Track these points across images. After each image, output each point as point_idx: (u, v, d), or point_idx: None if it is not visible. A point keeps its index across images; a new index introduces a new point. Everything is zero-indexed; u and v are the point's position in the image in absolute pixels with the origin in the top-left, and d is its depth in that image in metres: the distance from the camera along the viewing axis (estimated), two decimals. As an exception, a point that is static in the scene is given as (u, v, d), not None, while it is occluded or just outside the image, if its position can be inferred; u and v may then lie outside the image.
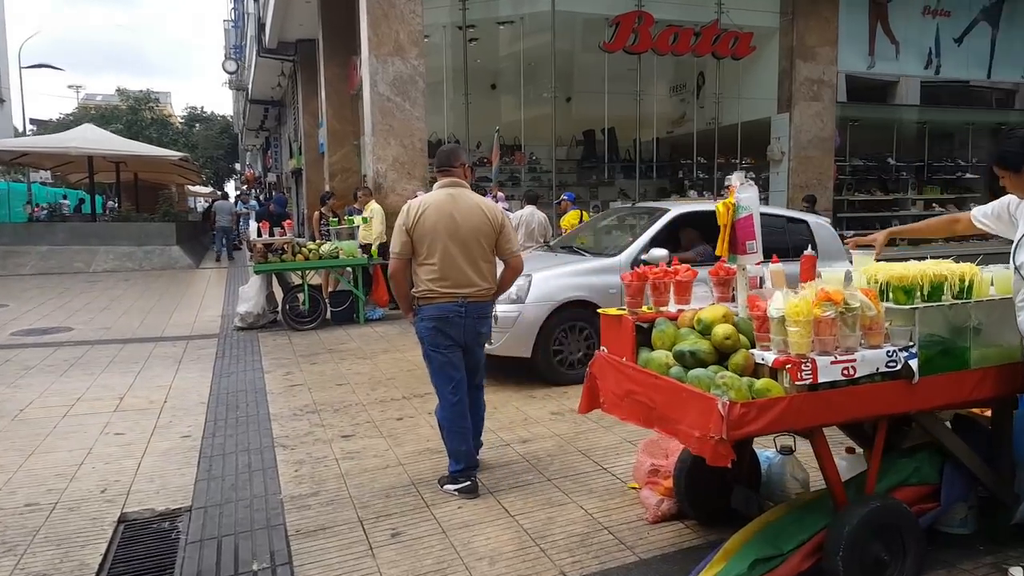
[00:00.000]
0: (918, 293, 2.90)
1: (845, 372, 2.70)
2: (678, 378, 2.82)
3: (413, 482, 4.25)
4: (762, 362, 2.77)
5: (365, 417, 5.56)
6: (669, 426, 2.80)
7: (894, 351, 2.77)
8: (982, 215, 3.21)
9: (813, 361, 2.65)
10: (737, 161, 15.26)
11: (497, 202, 10.79)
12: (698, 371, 2.77)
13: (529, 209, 10.08)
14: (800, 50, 14.68)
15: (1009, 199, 3.07)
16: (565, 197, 10.63)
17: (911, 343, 2.81)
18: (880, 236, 3.44)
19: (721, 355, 2.87)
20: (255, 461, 4.68)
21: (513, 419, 5.40)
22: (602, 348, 3.36)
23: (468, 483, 4.00)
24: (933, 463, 3.14)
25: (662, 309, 3.22)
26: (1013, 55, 16.67)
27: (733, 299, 3.28)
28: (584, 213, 10.59)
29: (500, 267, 4.16)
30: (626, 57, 13.88)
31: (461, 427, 4.01)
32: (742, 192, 3.09)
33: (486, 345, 4.29)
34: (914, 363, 2.79)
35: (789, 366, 2.65)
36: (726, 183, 3.19)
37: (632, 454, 4.58)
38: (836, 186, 15.47)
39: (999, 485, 3.17)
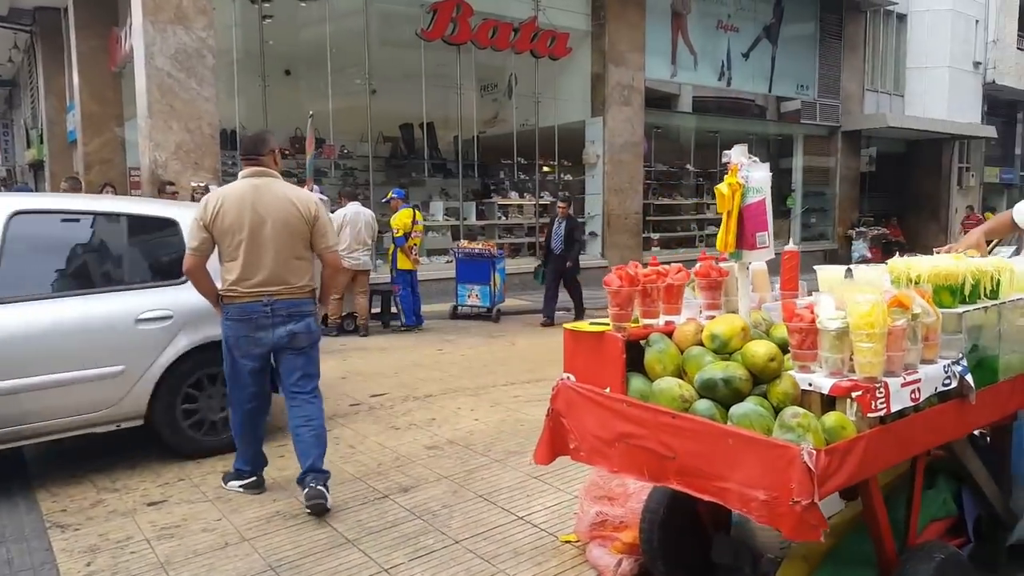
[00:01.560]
0: (961, 294, 2.38)
1: (913, 396, 2.09)
2: (709, 416, 2.05)
3: (271, 566, 3.11)
4: (810, 389, 2.08)
5: (176, 473, 4.21)
6: (703, 483, 2.02)
7: (948, 365, 2.22)
8: None
9: (886, 385, 2.00)
10: (555, 163, 15.08)
11: (314, 199, 9.51)
12: (746, 407, 2.01)
13: (353, 207, 8.91)
14: (612, 55, 14.81)
15: None
16: (394, 194, 9.58)
17: (961, 355, 2.27)
18: (975, 238, 2.92)
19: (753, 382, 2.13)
20: (18, 556, 3.24)
21: (380, 460, 4.36)
22: (567, 376, 2.51)
23: (254, 479, 3.87)
24: (951, 491, 2.66)
25: (650, 322, 2.43)
26: (789, 72, 18.20)
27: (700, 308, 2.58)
28: (417, 212, 9.62)
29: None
30: (443, 51, 13.11)
31: (254, 434, 3.83)
32: (752, 171, 2.40)
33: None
34: (969, 378, 2.25)
35: (858, 393, 1.98)
36: (724, 159, 2.49)
37: (545, 493, 3.77)
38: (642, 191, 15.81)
39: (1001, 505, 2.77)
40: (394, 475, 4.09)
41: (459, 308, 10.69)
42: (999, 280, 2.48)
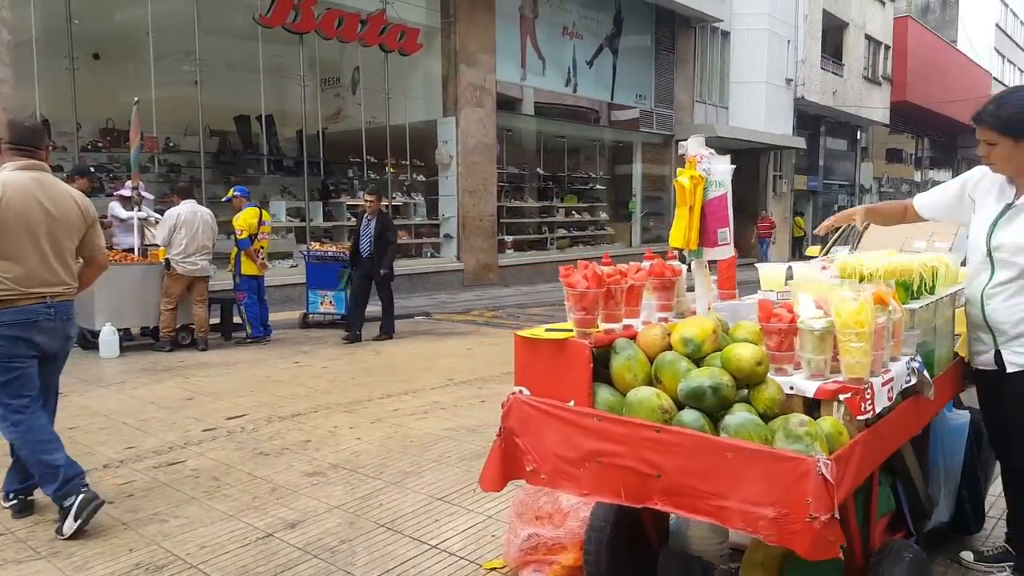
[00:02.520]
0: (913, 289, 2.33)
1: (889, 396, 1.99)
2: (699, 429, 1.83)
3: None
4: (792, 393, 1.92)
5: (-1, 522, 3.45)
6: (695, 503, 1.78)
7: (908, 362, 2.15)
8: (929, 202, 2.79)
9: (871, 386, 1.88)
10: (407, 163, 14.64)
11: (140, 196, 8.51)
12: (742, 417, 1.80)
13: (189, 206, 8.00)
14: (463, 55, 14.63)
15: (964, 179, 2.69)
16: (237, 192, 8.73)
17: (916, 351, 2.22)
18: (860, 210, 2.86)
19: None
20: None
21: (255, 493, 3.80)
22: (519, 390, 2.19)
23: (84, 494, 3.28)
24: (889, 485, 2.63)
25: (611, 327, 2.17)
26: (629, 81, 18.93)
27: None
28: (264, 212, 8.85)
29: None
30: (284, 39, 12.29)
31: (46, 439, 3.39)
32: (714, 163, 2.22)
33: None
34: (926, 373, 2.20)
35: (847, 396, 1.83)
36: (681, 151, 2.28)
37: (455, 516, 3.43)
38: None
39: (924, 494, 2.80)
40: (275, 509, 3.57)
41: (310, 316, 10.00)
42: (936, 275, 2.47)
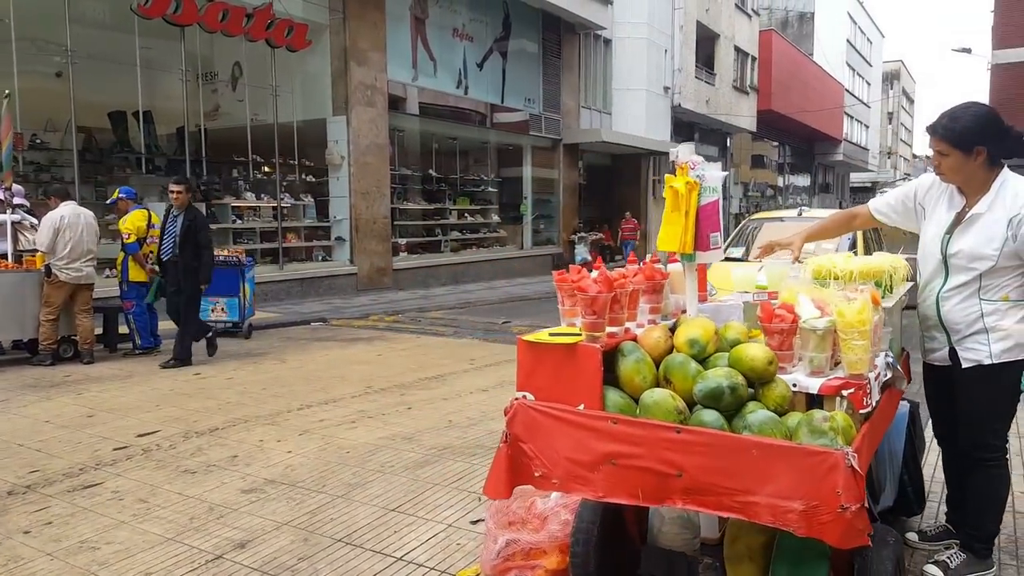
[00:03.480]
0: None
1: (879, 390, 2.12)
2: (719, 428, 1.87)
3: None
4: (796, 390, 2.01)
5: None
6: (720, 500, 1.83)
7: (884, 357, 2.30)
8: (884, 207, 2.97)
9: (869, 381, 2.00)
10: (296, 162, 14.13)
11: (13, 197, 7.77)
12: (763, 414, 1.86)
13: (70, 208, 7.36)
14: (353, 52, 14.30)
15: (914, 186, 2.88)
16: (123, 194, 8.10)
17: (888, 346, 2.38)
18: (797, 240, 2.95)
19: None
20: None
21: (192, 513, 3.54)
22: (523, 395, 2.16)
23: None
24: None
25: (615, 330, 2.18)
26: (518, 85, 19.15)
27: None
28: (152, 214, 8.26)
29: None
30: (165, 31, 11.58)
31: None
32: (707, 170, 2.27)
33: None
34: (899, 367, 2.36)
35: (850, 391, 1.94)
36: (672, 157, 2.33)
37: (414, 527, 3.34)
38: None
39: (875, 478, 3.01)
40: (218, 529, 3.34)
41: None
42: (894, 275, 2.65)
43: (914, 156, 66.21)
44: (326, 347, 8.69)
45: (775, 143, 36.03)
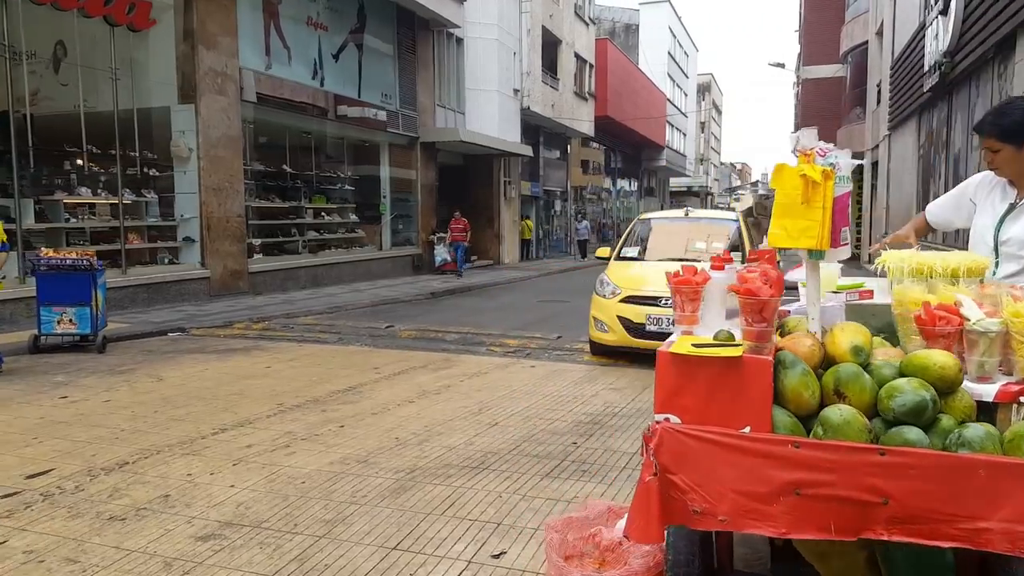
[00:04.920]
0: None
1: None
2: (927, 447, 1.73)
3: None
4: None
5: None
6: (937, 529, 1.69)
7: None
8: (936, 208, 3.01)
9: (1046, 384, 1.95)
10: (136, 154, 12.67)
11: None
12: (979, 429, 1.74)
13: None
14: (202, 35, 13.10)
15: (965, 185, 2.93)
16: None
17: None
18: (913, 234, 2.91)
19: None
20: None
21: (146, 573, 2.92)
22: (665, 417, 1.90)
23: None
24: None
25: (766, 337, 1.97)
26: (375, 80, 18.49)
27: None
28: (-13, 210, 6.99)
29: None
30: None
31: None
32: (840, 157, 2.11)
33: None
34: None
35: (1028, 398, 1.87)
36: (795, 145, 2.14)
37: (427, 566, 2.95)
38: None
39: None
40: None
41: (44, 338, 8.20)
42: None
43: (721, 163, 72.28)
44: (200, 360, 7.81)
45: (602, 148, 37.61)
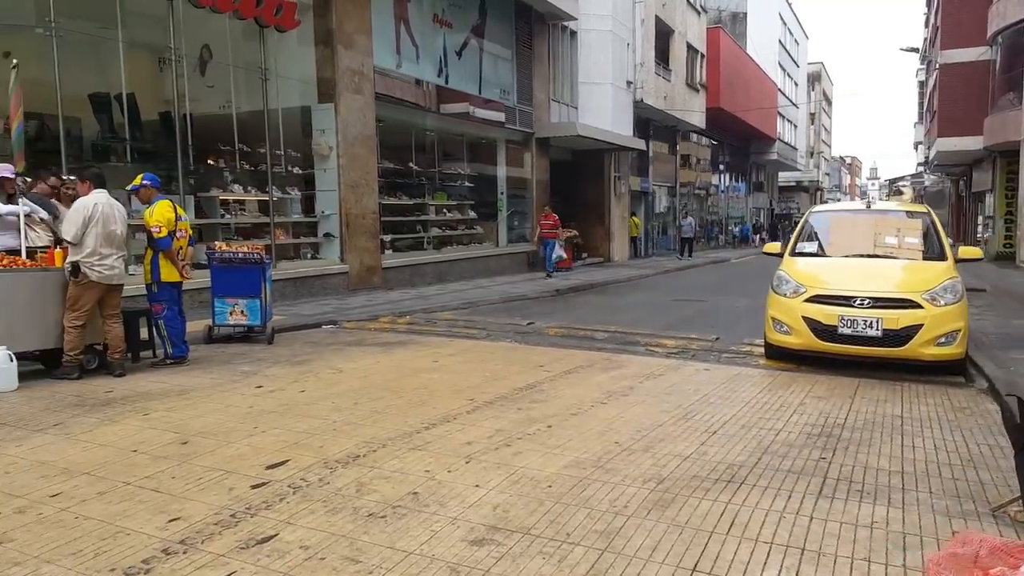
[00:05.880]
0: None
1: None
2: None
3: None
4: None
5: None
6: None
7: None
8: None
9: None
10: (281, 152, 13.07)
11: (24, 185, 6.71)
12: None
13: (101, 197, 6.35)
14: (340, 35, 13.39)
15: None
16: (146, 180, 7.07)
17: None
18: None
19: None
20: None
21: None
22: None
23: None
24: None
25: None
26: (494, 76, 18.52)
27: None
28: (177, 206, 7.27)
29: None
30: (150, 5, 10.44)
31: None
32: None
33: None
34: None
35: None
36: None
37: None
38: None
39: None
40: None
41: (217, 329, 8.52)
42: None
43: (831, 157, 69.19)
44: (367, 353, 7.92)
45: (711, 141, 36.51)
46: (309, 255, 13.57)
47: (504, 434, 4.70)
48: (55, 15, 9.15)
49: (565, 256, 20.44)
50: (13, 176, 6.59)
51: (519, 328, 10.01)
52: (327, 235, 13.63)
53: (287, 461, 4.16)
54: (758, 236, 40.39)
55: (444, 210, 17.81)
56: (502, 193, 19.83)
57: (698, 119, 30.31)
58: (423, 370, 6.93)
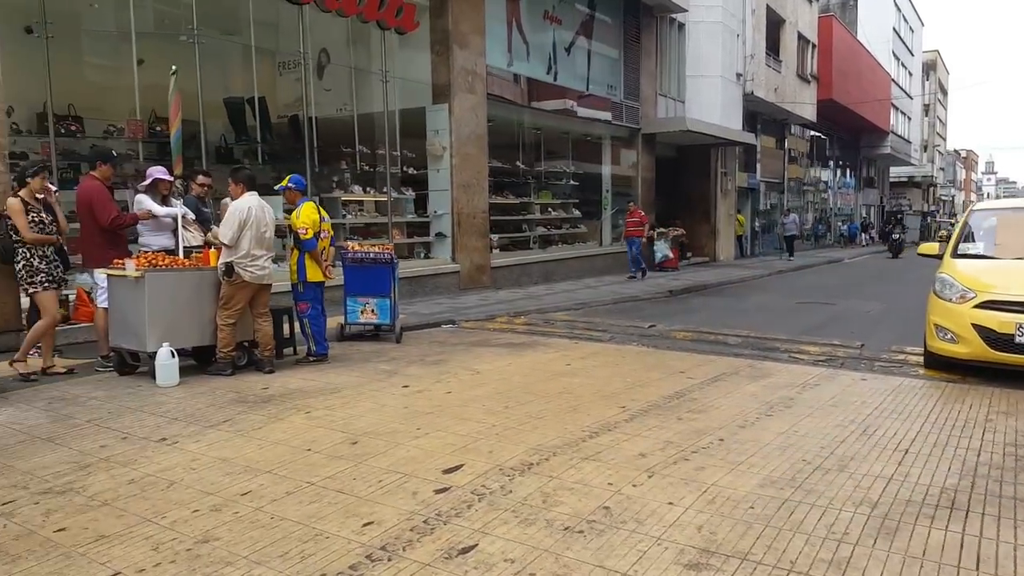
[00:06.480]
0: None
1: None
2: None
3: None
4: None
5: None
6: None
7: None
8: None
9: None
10: (397, 153, 13.21)
11: (181, 188, 6.94)
12: None
13: (254, 199, 6.49)
14: (456, 35, 13.40)
15: None
16: (292, 183, 7.23)
17: None
18: None
19: None
20: None
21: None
22: None
23: None
24: None
25: None
26: (602, 71, 18.22)
27: None
28: (320, 207, 7.38)
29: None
30: (281, 8, 10.73)
31: None
32: None
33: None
34: None
35: None
36: None
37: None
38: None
39: None
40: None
41: (348, 327, 8.63)
42: None
43: (946, 151, 65.20)
44: (497, 354, 7.83)
45: (819, 135, 34.86)
46: (422, 254, 13.68)
47: (675, 447, 4.46)
48: (196, 23, 9.50)
49: (671, 255, 19.96)
50: (170, 179, 6.82)
51: (642, 331, 9.73)
52: (439, 235, 13.71)
53: (461, 466, 4.07)
54: (865, 235, 38.42)
55: (549, 209, 17.66)
56: (607, 191, 19.51)
57: (809, 112, 29.06)
58: (560, 374, 6.77)
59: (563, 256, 17.20)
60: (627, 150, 20.11)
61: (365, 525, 3.32)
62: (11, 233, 6.02)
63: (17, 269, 6.10)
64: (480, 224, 14.13)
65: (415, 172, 13.70)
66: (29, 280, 6.09)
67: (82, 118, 9.51)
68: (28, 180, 6.06)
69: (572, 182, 18.52)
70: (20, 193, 6.08)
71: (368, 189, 12.71)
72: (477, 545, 3.12)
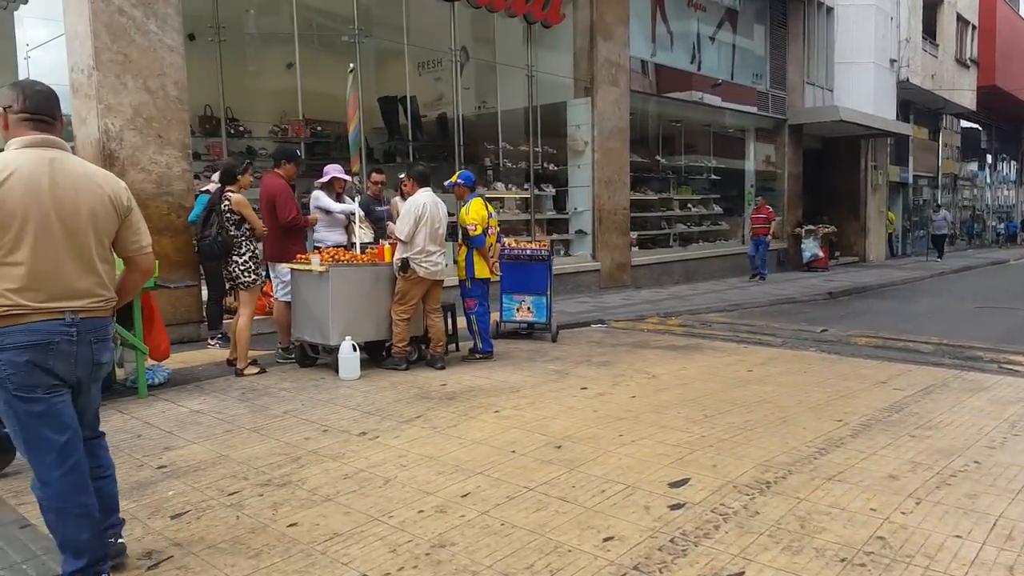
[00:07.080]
0: None
1: None
2: None
3: None
4: None
5: None
6: None
7: None
8: None
9: None
10: (539, 149, 12.94)
11: (357, 186, 6.89)
12: None
13: (428, 196, 6.36)
14: (600, 27, 12.99)
15: None
16: (461, 180, 7.09)
17: None
18: None
19: None
20: None
21: None
22: None
23: None
24: None
25: None
26: (746, 59, 17.31)
27: None
28: (488, 204, 7.20)
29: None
30: (434, 7, 10.70)
31: (80, 505, 2.55)
32: None
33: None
34: None
35: None
36: None
37: None
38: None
39: None
40: None
41: (504, 325, 8.41)
42: None
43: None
44: (664, 356, 7.37)
45: (974, 126, 31.92)
46: (561, 252, 13.36)
47: (927, 469, 3.88)
48: (358, 22, 9.58)
49: (821, 255, 18.75)
50: (346, 178, 6.81)
51: (815, 336, 8.98)
52: (579, 232, 13.35)
53: (688, 480, 3.68)
54: (1026, 233, 34.99)
55: (688, 205, 16.94)
56: (752, 186, 18.53)
57: (968, 99, 26.69)
58: (746, 380, 6.24)
59: (705, 255, 16.45)
60: (772, 142, 19.06)
61: (606, 540, 2.99)
62: (229, 228, 6.02)
63: (242, 261, 6.00)
64: (621, 221, 13.67)
65: (555, 168, 13.40)
66: (256, 271, 6.09)
67: (238, 120, 9.81)
68: (239, 176, 6.08)
69: (713, 176, 17.69)
70: (231, 189, 6.06)
71: (510, 186, 12.52)
72: (744, 574, 2.72)
